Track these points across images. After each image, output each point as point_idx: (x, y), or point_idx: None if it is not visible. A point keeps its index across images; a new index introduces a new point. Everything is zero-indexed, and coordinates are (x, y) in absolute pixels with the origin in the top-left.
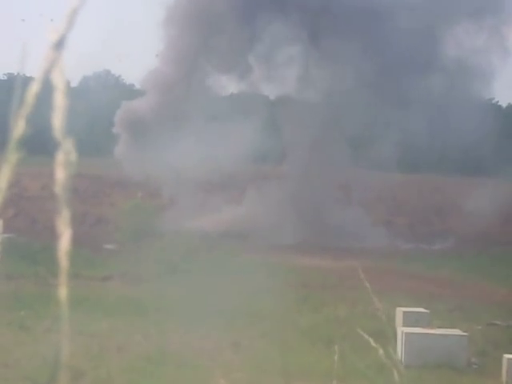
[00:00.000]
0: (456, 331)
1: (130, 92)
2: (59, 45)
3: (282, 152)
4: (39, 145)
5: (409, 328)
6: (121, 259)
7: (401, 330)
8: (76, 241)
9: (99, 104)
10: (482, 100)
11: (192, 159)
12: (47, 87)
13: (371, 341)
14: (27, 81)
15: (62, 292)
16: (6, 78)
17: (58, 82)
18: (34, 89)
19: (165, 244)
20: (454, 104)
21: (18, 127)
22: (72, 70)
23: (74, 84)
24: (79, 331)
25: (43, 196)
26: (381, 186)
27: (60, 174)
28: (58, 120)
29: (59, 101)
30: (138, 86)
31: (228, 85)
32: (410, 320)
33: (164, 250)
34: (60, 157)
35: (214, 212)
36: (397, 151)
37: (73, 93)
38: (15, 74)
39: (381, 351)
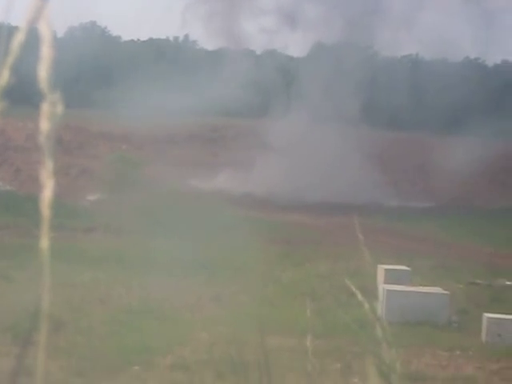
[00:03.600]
0: (437, 289)
1: (117, 44)
2: None
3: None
4: (24, 95)
5: (390, 285)
6: (104, 211)
7: (382, 287)
8: (60, 192)
9: (85, 55)
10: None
11: (178, 113)
12: (34, 38)
13: (358, 294)
14: (13, 30)
15: (45, 243)
16: None
17: (43, 31)
18: (18, 38)
19: (148, 197)
20: (436, 63)
21: (2, 77)
22: (58, 20)
23: (59, 35)
24: (61, 282)
25: (28, 147)
26: (368, 144)
27: (45, 125)
28: (43, 70)
29: (45, 51)
30: (124, 38)
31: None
32: (391, 277)
33: (147, 202)
34: (45, 108)
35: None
36: (383, 109)
37: (58, 43)
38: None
39: (365, 306)
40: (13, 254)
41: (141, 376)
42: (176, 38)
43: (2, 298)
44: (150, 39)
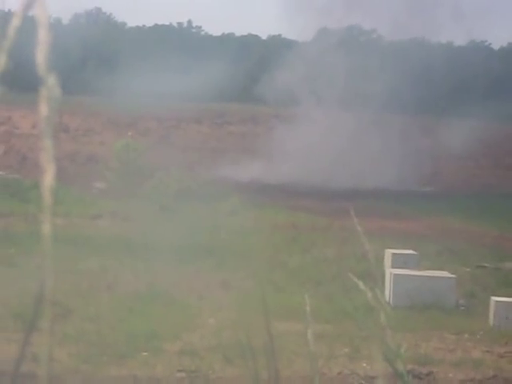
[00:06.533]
0: (444, 273)
1: (122, 30)
2: None
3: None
4: (31, 83)
5: (397, 270)
6: (111, 198)
7: (389, 271)
8: (66, 179)
9: (90, 42)
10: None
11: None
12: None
13: (360, 283)
14: (10, 16)
15: (47, 227)
16: None
17: (40, 16)
18: (14, 23)
19: (155, 183)
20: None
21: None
22: (63, 7)
23: (65, 21)
24: (69, 269)
25: (34, 134)
26: (373, 128)
27: (43, 110)
28: (41, 55)
29: (42, 35)
30: (129, 24)
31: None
32: (398, 262)
33: (154, 189)
34: (43, 92)
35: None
36: (387, 92)
37: (64, 30)
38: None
39: (369, 293)
40: (19, 241)
41: (149, 362)
42: (180, 24)
43: (10, 286)
44: (155, 25)
